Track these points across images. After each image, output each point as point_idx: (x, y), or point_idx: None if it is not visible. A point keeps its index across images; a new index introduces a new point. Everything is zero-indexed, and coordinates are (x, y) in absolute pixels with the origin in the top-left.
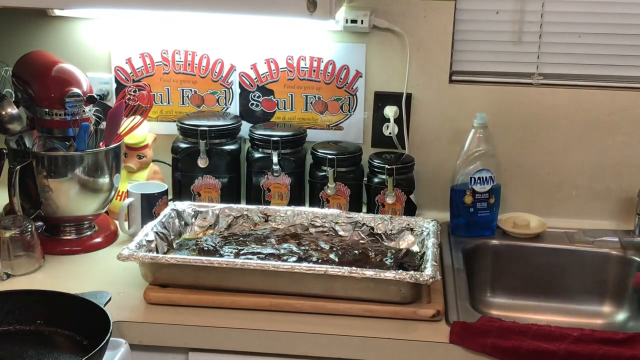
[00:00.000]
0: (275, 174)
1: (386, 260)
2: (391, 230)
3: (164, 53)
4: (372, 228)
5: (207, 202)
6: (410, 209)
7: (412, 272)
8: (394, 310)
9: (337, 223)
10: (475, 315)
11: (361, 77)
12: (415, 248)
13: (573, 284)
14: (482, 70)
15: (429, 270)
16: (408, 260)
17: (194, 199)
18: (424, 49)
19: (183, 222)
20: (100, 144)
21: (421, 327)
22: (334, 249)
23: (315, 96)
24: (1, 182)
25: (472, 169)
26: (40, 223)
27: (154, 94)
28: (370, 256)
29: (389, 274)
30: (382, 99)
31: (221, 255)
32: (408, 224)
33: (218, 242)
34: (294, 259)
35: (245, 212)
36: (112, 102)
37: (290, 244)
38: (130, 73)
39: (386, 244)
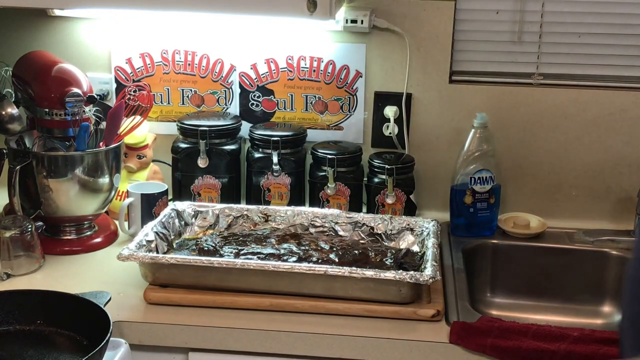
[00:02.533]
0: (275, 174)
1: (386, 260)
2: (391, 230)
3: (164, 53)
4: (372, 228)
5: (207, 202)
6: (410, 209)
7: (412, 272)
8: (394, 310)
9: (337, 223)
10: (475, 315)
11: (361, 77)
12: (415, 248)
13: (573, 284)
14: (482, 70)
15: (429, 271)
16: (408, 260)
17: (194, 199)
18: (424, 49)
19: (183, 222)
20: (100, 144)
21: (421, 327)
22: (334, 249)
23: (315, 96)
24: (1, 182)
25: (472, 169)
26: (40, 223)
27: (154, 94)
28: (370, 256)
29: (389, 274)
30: (382, 99)
31: (221, 255)
32: (408, 224)
33: (218, 242)
34: (294, 259)
35: (245, 212)
36: (112, 102)
37: (290, 244)
38: (130, 73)
39: (386, 244)
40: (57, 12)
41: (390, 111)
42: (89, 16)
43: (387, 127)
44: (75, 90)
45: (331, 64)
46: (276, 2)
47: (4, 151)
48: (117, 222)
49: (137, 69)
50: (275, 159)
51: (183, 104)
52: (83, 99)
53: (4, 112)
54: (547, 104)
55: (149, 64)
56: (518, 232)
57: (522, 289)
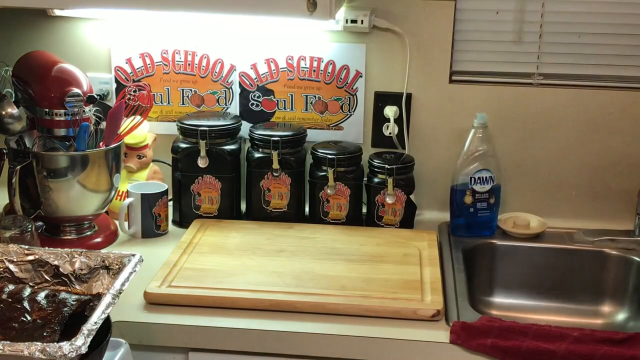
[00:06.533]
0: (275, 174)
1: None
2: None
3: (164, 53)
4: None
5: (207, 202)
6: (410, 209)
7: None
8: (394, 310)
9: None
10: (475, 315)
11: (361, 77)
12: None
13: (573, 284)
14: (482, 70)
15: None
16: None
17: (194, 199)
18: (424, 49)
19: None
20: (100, 144)
21: (421, 327)
22: None
23: (315, 96)
24: (1, 182)
25: (472, 169)
26: (40, 223)
27: (154, 94)
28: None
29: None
30: (382, 99)
31: None
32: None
33: None
34: None
35: None
36: (112, 102)
37: None
38: (130, 73)
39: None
40: (57, 12)
41: (390, 111)
42: (89, 16)
43: (387, 127)
44: (75, 90)
45: (331, 64)
46: (276, 2)
47: (4, 151)
48: (117, 222)
49: (137, 69)
50: (275, 159)
51: (183, 104)
52: (83, 99)
53: (4, 112)
54: (547, 104)
55: (149, 64)
56: (518, 232)
57: (522, 289)
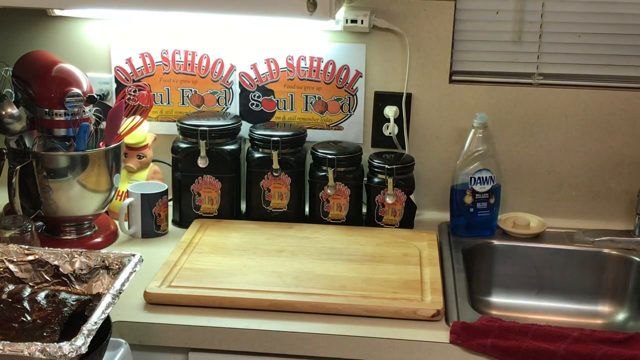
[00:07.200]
0: (275, 174)
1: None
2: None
3: (164, 53)
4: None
5: (207, 202)
6: (410, 209)
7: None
8: (394, 310)
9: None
10: (475, 315)
11: (361, 77)
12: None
13: (573, 284)
14: (482, 70)
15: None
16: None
17: (194, 199)
18: (424, 49)
19: None
20: (100, 144)
21: (421, 327)
22: None
23: (315, 96)
24: (1, 182)
25: (472, 169)
26: (40, 223)
27: (154, 94)
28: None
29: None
30: (382, 99)
31: None
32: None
33: None
34: None
35: None
36: (112, 102)
37: None
38: (130, 73)
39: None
40: (57, 12)
41: (390, 111)
42: (89, 16)
43: (387, 127)
44: (75, 90)
45: (331, 64)
46: (276, 2)
47: (4, 151)
48: (117, 222)
49: (137, 69)
50: (275, 159)
51: (183, 104)
52: (83, 99)
53: (4, 112)
54: (547, 104)
55: (149, 64)
56: (518, 232)
57: (522, 289)
